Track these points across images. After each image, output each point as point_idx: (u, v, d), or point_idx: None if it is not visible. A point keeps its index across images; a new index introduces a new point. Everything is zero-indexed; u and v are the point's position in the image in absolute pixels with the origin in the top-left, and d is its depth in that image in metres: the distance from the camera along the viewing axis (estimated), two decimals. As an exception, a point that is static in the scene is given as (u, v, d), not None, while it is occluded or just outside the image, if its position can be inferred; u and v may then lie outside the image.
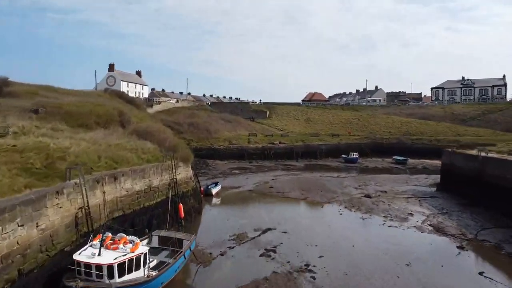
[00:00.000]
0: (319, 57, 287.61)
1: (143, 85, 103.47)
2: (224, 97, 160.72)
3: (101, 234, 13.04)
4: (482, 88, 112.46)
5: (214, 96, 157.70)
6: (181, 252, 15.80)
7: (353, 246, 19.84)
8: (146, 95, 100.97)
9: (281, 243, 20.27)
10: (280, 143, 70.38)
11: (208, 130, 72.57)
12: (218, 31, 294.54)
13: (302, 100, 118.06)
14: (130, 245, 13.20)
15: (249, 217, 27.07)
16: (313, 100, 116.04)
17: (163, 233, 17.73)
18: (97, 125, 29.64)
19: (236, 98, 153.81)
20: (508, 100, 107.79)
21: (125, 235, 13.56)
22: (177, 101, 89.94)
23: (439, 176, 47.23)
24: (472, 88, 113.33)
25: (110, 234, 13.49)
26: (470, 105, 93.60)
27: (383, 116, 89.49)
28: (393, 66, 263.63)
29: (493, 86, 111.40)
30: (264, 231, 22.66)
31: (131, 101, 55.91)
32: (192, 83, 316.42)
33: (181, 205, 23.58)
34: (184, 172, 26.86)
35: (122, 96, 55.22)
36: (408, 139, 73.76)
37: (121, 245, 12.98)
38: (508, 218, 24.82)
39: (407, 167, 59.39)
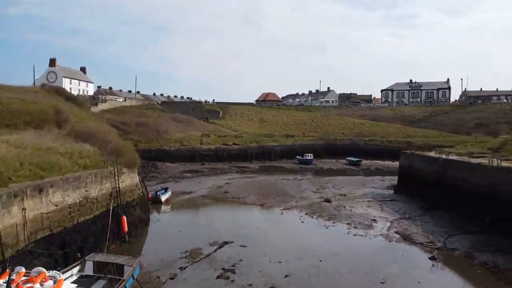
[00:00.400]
0: (272, 57, 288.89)
1: (88, 82, 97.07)
2: (175, 96, 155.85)
3: (9, 270, 9.92)
4: (428, 91, 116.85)
5: (165, 95, 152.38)
6: (122, 281, 12.97)
7: (320, 261, 17.90)
8: (91, 93, 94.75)
9: (241, 260, 17.91)
10: (234, 144, 68.04)
11: (158, 131, 68.72)
12: (170, 28, 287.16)
13: (256, 100, 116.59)
14: (50, 284, 10.17)
15: (203, 227, 24.48)
16: (267, 101, 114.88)
17: (100, 257, 14.66)
18: (27, 125, 25.77)
19: (188, 98, 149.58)
20: (451, 102, 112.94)
21: (44, 270, 10.45)
22: (125, 100, 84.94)
23: (394, 177, 47.18)
24: (419, 91, 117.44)
25: (23, 270, 10.28)
26: (418, 107, 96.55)
27: (336, 117, 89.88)
28: (343, 68, 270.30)
29: (438, 89, 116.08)
30: (221, 246, 20.19)
31: (72, 99, 50.89)
32: (142, 82, 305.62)
33: (124, 217, 20.56)
34: (129, 179, 23.76)
35: (62, 93, 50.16)
36: (361, 140, 74.21)
37: (37, 285, 9.85)
38: (470, 221, 24.14)
39: (361, 168, 59.24)
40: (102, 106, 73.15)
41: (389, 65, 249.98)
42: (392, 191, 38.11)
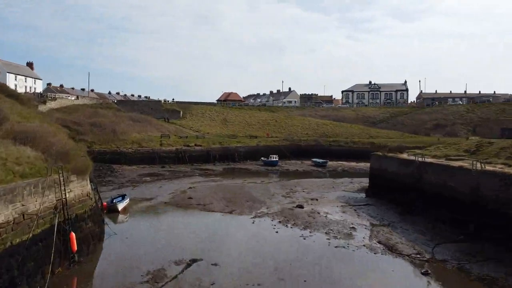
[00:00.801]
0: (231, 57, 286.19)
1: (36, 78, 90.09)
2: (133, 95, 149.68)
3: None
4: (387, 92, 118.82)
5: (121, 94, 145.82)
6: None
7: (304, 281, 15.68)
8: (40, 90, 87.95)
9: (213, 283, 15.34)
10: (195, 145, 65.00)
11: (114, 131, 64.33)
12: (127, 26, 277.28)
13: (218, 100, 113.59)
14: None
15: (167, 241, 21.61)
16: (228, 100, 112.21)
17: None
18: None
19: (146, 97, 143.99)
20: (409, 103, 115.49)
21: None
22: (77, 98, 79.32)
23: (362, 179, 46.49)
24: (379, 92, 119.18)
25: None
26: (379, 108, 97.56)
27: (299, 118, 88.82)
28: (301, 70, 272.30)
29: (396, 91, 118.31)
30: (188, 264, 17.49)
31: (15, 96, 46.03)
32: (97, 80, 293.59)
33: (73, 234, 17.41)
34: (78, 188, 20.46)
35: (2, 89, 45.17)
36: (325, 141, 73.38)
37: None
38: (452, 228, 22.95)
39: (327, 170, 58.14)
40: (51, 105, 67.59)
41: (346, 67, 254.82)
42: (363, 195, 36.82)
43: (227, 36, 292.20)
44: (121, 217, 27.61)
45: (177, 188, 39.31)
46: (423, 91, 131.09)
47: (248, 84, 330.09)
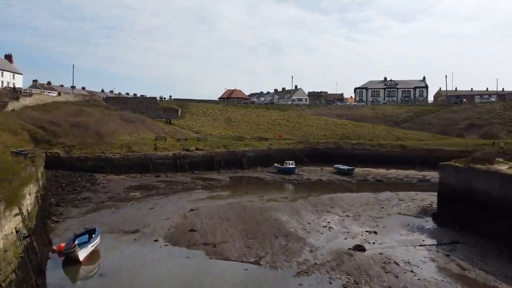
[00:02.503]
0: (231, 58, 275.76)
1: (15, 73, 79.70)
2: (128, 93, 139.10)
3: None
4: (405, 89, 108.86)
5: (115, 92, 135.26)
6: None
7: None
8: (20, 85, 77.43)
9: None
10: (197, 149, 54.77)
11: (99, 133, 54.10)
12: (123, 26, 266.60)
13: (220, 98, 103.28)
14: None
15: None
16: (232, 98, 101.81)
17: None
18: None
19: (142, 96, 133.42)
20: (430, 101, 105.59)
21: None
22: (59, 94, 68.86)
23: (409, 194, 36.65)
24: (396, 89, 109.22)
25: None
26: (401, 107, 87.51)
27: (313, 117, 78.64)
28: (302, 70, 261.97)
29: (415, 88, 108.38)
30: None
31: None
32: (92, 80, 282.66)
33: None
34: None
35: None
36: (347, 143, 63.12)
37: None
38: None
39: (355, 179, 47.92)
40: (26, 101, 57.25)
41: (346, 67, 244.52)
42: (429, 220, 26.77)
43: (225, 36, 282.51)
44: (83, 272, 17.35)
45: (174, 210, 29.11)
46: (441, 88, 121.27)
47: (249, 84, 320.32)
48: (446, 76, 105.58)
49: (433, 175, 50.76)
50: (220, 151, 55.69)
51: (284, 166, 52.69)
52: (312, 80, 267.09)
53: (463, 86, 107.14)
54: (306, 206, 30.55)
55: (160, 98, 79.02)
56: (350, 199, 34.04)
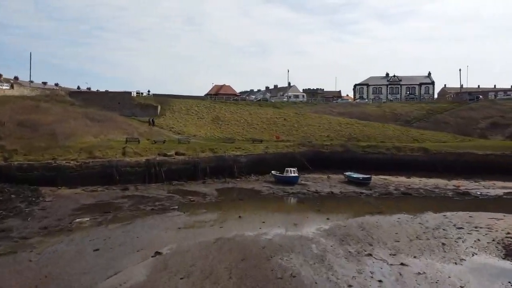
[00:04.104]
0: (219, 58, 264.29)
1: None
2: (107, 91, 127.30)
3: None
4: (409, 86, 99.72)
5: (92, 90, 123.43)
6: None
7: None
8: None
9: None
10: (177, 154, 44.27)
11: (55, 134, 43.50)
12: (110, 27, 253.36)
13: (207, 94, 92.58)
14: None
15: None
16: (221, 94, 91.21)
17: None
18: None
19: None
20: (435, 98, 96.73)
21: None
22: (12, 87, 57.53)
23: (459, 215, 27.15)
24: (399, 86, 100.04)
25: None
26: (411, 104, 78.03)
27: (314, 116, 68.60)
28: (291, 70, 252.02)
29: (420, 84, 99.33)
30: None
31: None
32: (71, 79, 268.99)
33: None
34: None
35: None
36: (356, 146, 53.13)
37: None
38: None
39: (376, 192, 37.97)
40: (-38, 95, 46.03)
41: (335, 68, 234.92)
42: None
43: (214, 37, 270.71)
44: None
45: (131, 254, 18.74)
46: (446, 85, 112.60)
47: (238, 83, 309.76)
48: (460, 70, 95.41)
49: (467, 185, 41.45)
50: (205, 156, 45.27)
51: (285, 174, 42.58)
52: (303, 79, 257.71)
53: (470, 83, 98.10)
54: (332, 245, 20.30)
55: (137, 93, 68.18)
56: (387, 228, 23.95)
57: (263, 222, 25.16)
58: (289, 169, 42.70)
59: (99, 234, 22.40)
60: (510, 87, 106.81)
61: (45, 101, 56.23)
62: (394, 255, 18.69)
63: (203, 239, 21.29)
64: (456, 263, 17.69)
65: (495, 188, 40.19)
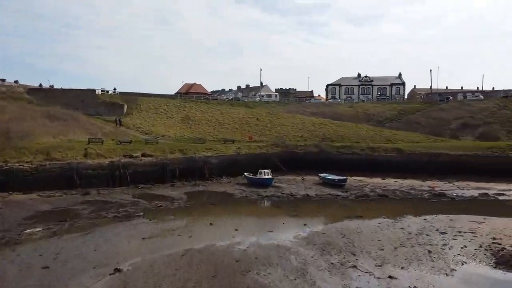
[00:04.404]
0: (190, 58, 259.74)
1: None
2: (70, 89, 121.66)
3: None
4: (380, 86, 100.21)
5: (56, 87, 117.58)
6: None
7: None
8: None
9: None
10: (144, 155, 41.65)
11: (8, 134, 39.95)
12: (80, 24, 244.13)
13: (177, 93, 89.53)
14: None
15: None
16: (191, 93, 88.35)
17: None
18: None
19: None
20: (405, 99, 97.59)
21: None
22: (-39, 83, 53.14)
23: (444, 220, 26.04)
24: (371, 86, 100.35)
25: None
26: (383, 105, 77.95)
27: (287, 115, 67.21)
28: (263, 70, 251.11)
29: (391, 85, 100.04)
30: None
31: None
32: (38, 77, 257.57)
33: None
34: None
35: None
36: (331, 146, 52.01)
37: None
38: None
39: (352, 194, 36.76)
40: None
41: (306, 68, 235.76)
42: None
43: (185, 36, 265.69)
44: None
45: (86, 271, 16.35)
46: (416, 86, 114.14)
47: (209, 84, 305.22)
48: (431, 71, 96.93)
49: (442, 186, 40.99)
50: (174, 157, 42.84)
51: (258, 176, 40.80)
52: (275, 80, 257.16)
53: (438, 85, 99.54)
54: (312, 255, 18.57)
55: (102, 91, 64.64)
56: (369, 234, 22.50)
57: (236, 229, 23.19)
58: (262, 170, 40.96)
59: (51, 247, 19.81)
60: (476, 88, 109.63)
61: (1, 99, 52.11)
62: (380, 266, 17.17)
63: (170, 251, 19.12)
64: (447, 274, 16.34)
65: (469, 188, 39.89)
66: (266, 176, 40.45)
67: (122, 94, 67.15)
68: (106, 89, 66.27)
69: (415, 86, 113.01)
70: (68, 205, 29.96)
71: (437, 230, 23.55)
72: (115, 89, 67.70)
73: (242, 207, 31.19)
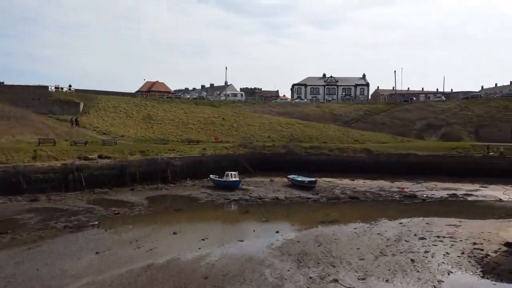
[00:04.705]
0: (155, 57, 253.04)
1: None
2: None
3: None
4: (345, 87, 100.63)
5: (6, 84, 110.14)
6: None
7: None
8: None
9: None
10: (101, 157, 38.53)
11: None
12: (40, 21, 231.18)
13: (139, 91, 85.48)
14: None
15: None
16: (153, 91, 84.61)
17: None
18: None
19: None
20: (369, 100, 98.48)
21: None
22: None
23: (421, 223, 25.15)
24: (336, 87, 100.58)
25: None
26: (349, 105, 78.02)
27: (254, 115, 65.55)
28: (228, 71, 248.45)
29: (356, 85, 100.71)
30: None
31: None
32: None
33: None
34: None
35: None
36: (299, 147, 50.77)
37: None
38: None
39: (323, 196, 35.45)
40: None
41: (271, 69, 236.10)
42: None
43: (149, 35, 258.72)
44: None
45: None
46: (379, 87, 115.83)
47: (173, 83, 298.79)
48: (395, 72, 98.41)
49: (411, 187, 40.57)
50: (135, 159, 39.99)
51: (225, 178, 38.77)
52: (240, 80, 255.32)
53: (400, 86, 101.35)
54: (289, 269, 16.73)
55: (55, 88, 60.25)
56: (346, 241, 20.99)
57: (203, 239, 21.05)
58: (229, 172, 38.95)
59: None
60: (436, 90, 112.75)
61: None
62: (364, 279, 15.60)
63: (128, 268, 16.71)
64: (435, 287, 14.97)
65: (438, 189, 39.64)
66: (233, 179, 38.49)
67: (78, 91, 62.95)
68: (61, 85, 61.81)
69: (378, 87, 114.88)
70: (12, 213, 26.67)
71: (415, 235, 22.41)
72: (70, 86, 63.47)
73: (209, 213, 29.06)
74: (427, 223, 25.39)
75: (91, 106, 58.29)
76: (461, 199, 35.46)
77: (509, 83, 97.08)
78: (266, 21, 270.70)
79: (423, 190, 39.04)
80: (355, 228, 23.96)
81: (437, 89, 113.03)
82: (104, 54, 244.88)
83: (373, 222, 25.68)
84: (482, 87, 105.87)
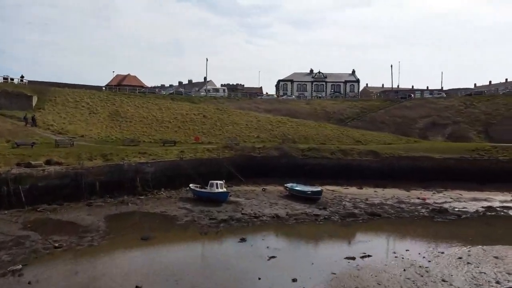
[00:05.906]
0: (129, 55, 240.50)
1: None
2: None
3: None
4: (334, 83, 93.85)
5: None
6: None
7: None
8: None
9: None
10: (49, 163, 29.94)
11: None
12: (7, 16, 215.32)
13: (107, 85, 75.83)
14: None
15: None
16: (124, 85, 75.18)
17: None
18: None
19: None
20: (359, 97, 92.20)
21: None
22: None
23: (482, 255, 18.05)
24: (324, 83, 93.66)
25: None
26: (342, 102, 70.96)
27: (239, 112, 57.61)
28: (206, 70, 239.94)
29: (345, 82, 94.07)
30: None
31: None
32: None
33: None
34: None
35: None
36: (295, 149, 43.11)
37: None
38: None
39: (336, 213, 28.01)
40: None
41: (252, 69, 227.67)
42: None
43: (125, 33, 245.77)
44: None
45: None
46: (368, 85, 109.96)
47: (150, 80, 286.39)
48: (392, 66, 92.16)
49: (432, 197, 33.75)
50: (94, 165, 31.53)
51: (209, 189, 30.92)
52: (221, 78, 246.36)
53: (390, 84, 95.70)
54: None
55: (4, 78, 50.73)
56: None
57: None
58: (214, 182, 31.09)
59: None
60: (426, 88, 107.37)
61: None
62: None
63: None
64: None
65: (466, 200, 33.19)
66: (220, 190, 30.70)
67: (32, 83, 53.42)
68: (11, 76, 52.20)
69: (367, 84, 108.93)
70: None
71: (497, 282, 15.19)
72: (22, 77, 53.77)
73: (189, 244, 21.17)
74: (495, 257, 18.31)
75: (47, 100, 49.01)
76: (503, 213, 28.84)
77: (504, 81, 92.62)
78: (246, 21, 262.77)
79: (450, 202, 32.36)
80: (404, 270, 16.53)
81: (427, 87, 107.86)
82: (75, 52, 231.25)
83: (419, 254, 18.39)
84: (475, 84, 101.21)
